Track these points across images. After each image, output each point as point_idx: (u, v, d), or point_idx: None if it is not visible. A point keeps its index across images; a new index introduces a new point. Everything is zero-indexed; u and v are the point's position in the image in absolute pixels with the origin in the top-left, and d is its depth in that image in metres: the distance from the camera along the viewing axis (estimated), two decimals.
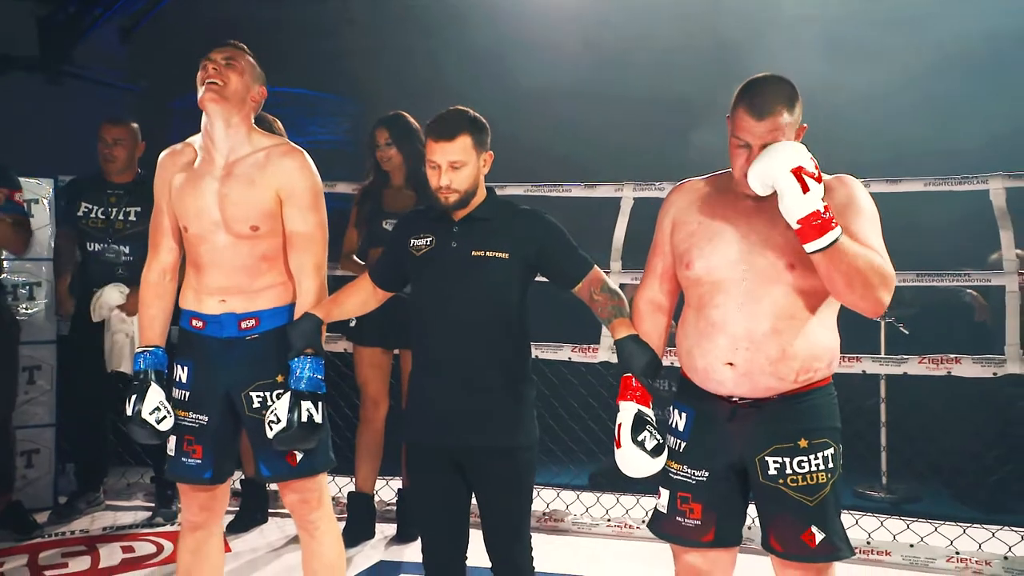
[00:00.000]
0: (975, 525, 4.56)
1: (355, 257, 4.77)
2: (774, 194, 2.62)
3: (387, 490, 4.95)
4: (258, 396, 3.18)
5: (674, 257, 2.88)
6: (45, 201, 5.23)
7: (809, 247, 2.53)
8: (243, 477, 4.93)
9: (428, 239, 3.15)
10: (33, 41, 7.59)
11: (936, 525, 4.56)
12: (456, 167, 3.04)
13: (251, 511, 4.87)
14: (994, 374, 4.39)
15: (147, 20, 8.14)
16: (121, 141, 4.97)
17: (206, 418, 3.22)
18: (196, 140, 3.26)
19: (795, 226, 2.53)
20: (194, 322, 3.23)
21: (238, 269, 3.16)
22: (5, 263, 4.88)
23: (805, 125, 2.71)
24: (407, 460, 3.26)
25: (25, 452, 5.09)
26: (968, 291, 5.77)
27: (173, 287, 3.33)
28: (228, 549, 4.52)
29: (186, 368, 3.25)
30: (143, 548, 4.64)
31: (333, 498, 4.95)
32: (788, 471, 2.71)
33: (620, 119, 7.54)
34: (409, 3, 8.18)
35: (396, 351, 4.73)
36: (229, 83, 3.11)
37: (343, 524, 4.69)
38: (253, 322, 3.18)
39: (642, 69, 7.76)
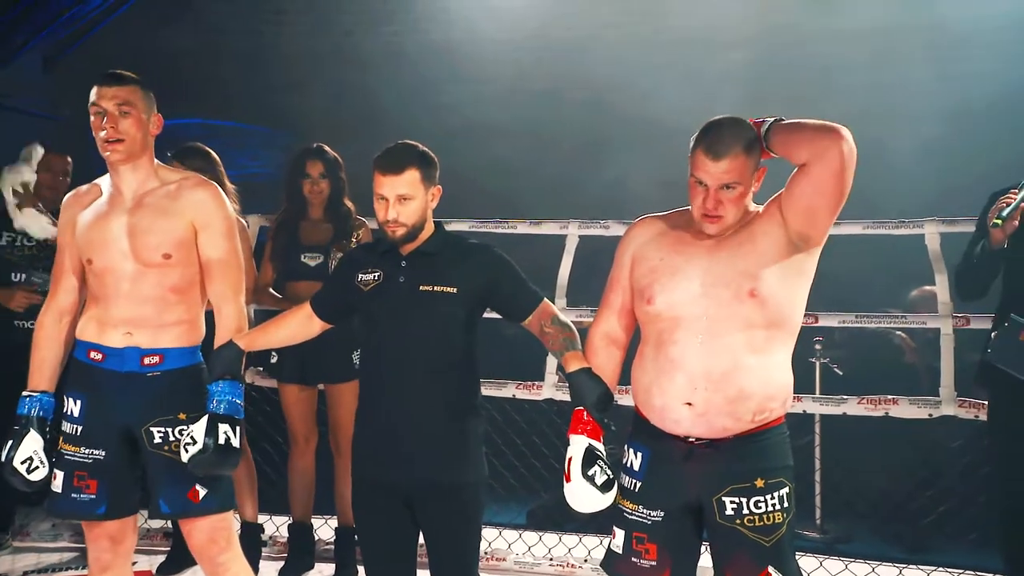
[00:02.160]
0: (910, 566, 4.62)
1: (271, 291, 4.67)
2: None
3: (325, 529, 4.85)
4: (159, 432, 3.14)
5: (633, 292, 2.89)
6: None
7: (765, 142, 2.71)
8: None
9: (376, 274, 3.14)
10: None
11: (873, 565, 4.60)
12: (404, 200, 3.03)
13: (183, 551, 4.71)
14: (930, 415, 4.45)
15: (72, 50, 8.00)
16: (69, 172, 4.96)
17: (102, 453, 3.15)
18: (103, 181, 3.26)
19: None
20: (92, 354, 3.17)
21: (146, 300, 3.14)
22: None
23: (764, 167, 2.76)
24: (354, 496, 3.22)
25: None
26: (898, 333, 5.88)
27: (70, 332, 3.27)
28: None
29: (79, 401, 3.18)
30: None
31: (271, 537, 4.89)
32: (745, 511, 2.72)
33: (554, 156, 7.59)
34: (343, 37, 8.16)
35: (321, 386, 4.66)
36: (128, 135, 3.10)
37: (283, 561, 4.65)
38: (156, 359, 3.15)
39: (575, 108, 7.84)
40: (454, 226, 4.85)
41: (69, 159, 4.99)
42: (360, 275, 3.16)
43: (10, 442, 3.11)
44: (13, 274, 4.81)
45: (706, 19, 7.54)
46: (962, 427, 4.81)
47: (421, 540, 3.16)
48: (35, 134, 7.68)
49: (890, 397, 4.48)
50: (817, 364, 5.71)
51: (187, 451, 3.00)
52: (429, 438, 3.04)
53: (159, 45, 7.63)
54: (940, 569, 4.60)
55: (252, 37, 8.27)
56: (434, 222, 3.19)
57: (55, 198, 4.83)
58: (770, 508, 2.72)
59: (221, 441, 2.99)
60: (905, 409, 4.47)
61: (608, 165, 7.40)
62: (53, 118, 8.35)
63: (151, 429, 3.13)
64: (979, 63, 6.85)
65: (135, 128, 3.10)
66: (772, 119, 2.75)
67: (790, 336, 2.77)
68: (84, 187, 3.31)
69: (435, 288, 3.06)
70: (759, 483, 2.72)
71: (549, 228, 5.12)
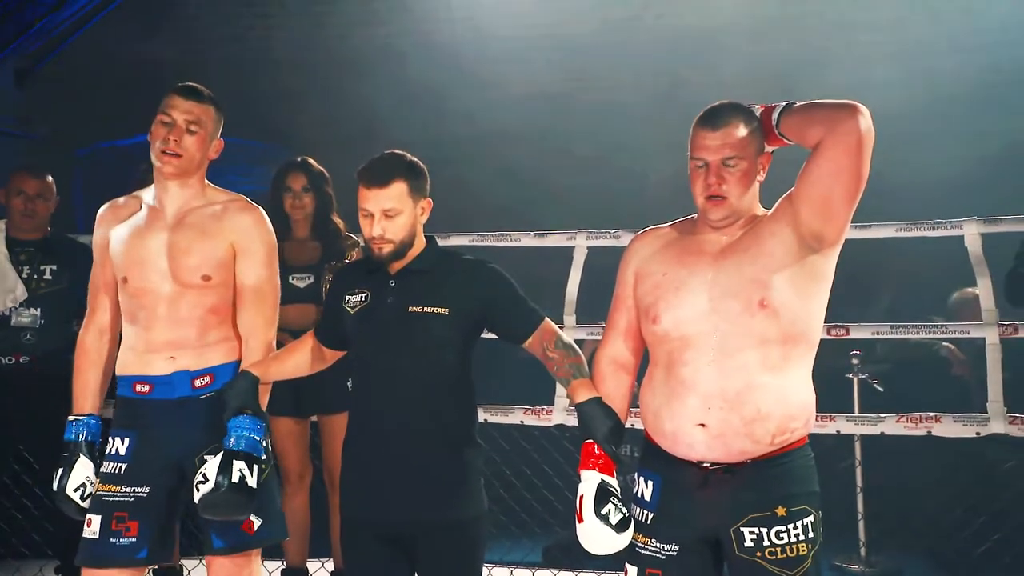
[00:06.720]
0: None
1: None
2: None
3: (322, 573, 4.85)
4: None
5: (638, 311, 2.88)
6: None
7: (777, 127, 2.71)
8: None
9: (363, 295, 3.14)
10: None
11: None
12: (390, 215, 3.03)
13: None
14: (977, 434, 4.40)
15: (47, 61, 8.05)
16: (43, 195, 4.85)
17: (146, 489, 3.16)
18: (144, 193, 3.32)
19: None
20: (138, 387, 3.21)
21: (185, 322, 3.19)
22: None
23: (770, 154, 2.78)
24: (342, 537, 3.22)
25: None
26: (944, 344, 5.82)
27: (112, 349, 3.33)
28: None
29: (127, 439, 3.21)
30: None
31: None
32: (766, 543, 2.70)
33: (568, 163, 7.58)
34: (337, 41, 8.18)
35: (314, 418, 4.65)
36: (187, 153, 3.17)
37: None
38: (208, 379, 3.21)
39: (590, 110, 7.83)
40: (453, 241, 4.86)
41: (49, 179, 4.88)
42: (347, 295, 3.17)
43: (60, 470, 3.15)
44: None
45: (729, 15, 7.54)
46: (1017, 446, 4.75)
47: None
48: (9, 155, 7.75)
49: (932, 415, 4.43)
50: (855, 380, 5.63)
51: (198, 491, 3.00)
52: (422, 471, 3.02)
53: (138, 55, 7.67)
54: None
55: (237, 44, 8.28)
56: (425, 237, 3.18)
57: (33, 226, 4.83)
58: (793, 539, 2.70)
59: (235, 479, 2.98)
60: (949, 427, 4.42)
61: (622, 173, 7.39)
62: (27, 136, 8.39)
63: (205, 458, 3.08)
64: (1017, 49, 6.83)
65: (197, 148, 3.18)
66: (784, 103, 2.75)
67: (808, 350, 2.76)
68: (121, 199, 3.37)
69: (425, 309, 3.05)
70: (780, 511, 2.70)
71: (555, 240, 5.14)
